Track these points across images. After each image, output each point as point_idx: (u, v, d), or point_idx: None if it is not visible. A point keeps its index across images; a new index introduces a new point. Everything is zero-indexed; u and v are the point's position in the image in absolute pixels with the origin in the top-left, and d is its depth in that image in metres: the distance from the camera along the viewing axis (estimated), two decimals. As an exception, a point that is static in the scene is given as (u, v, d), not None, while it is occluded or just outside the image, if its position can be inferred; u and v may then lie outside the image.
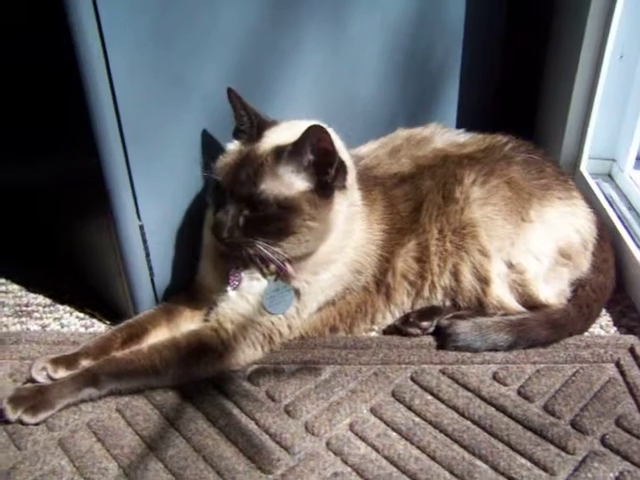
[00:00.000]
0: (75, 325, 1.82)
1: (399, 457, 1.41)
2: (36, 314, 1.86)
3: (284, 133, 1.54)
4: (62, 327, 1.81)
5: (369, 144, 1.89)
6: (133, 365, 1.53)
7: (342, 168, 1.54)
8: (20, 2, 1.50)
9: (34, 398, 1.47)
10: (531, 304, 1.73)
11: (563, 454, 1.41)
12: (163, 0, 1.44)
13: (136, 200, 1.58)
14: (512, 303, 1.72)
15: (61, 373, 1.52)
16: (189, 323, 1.69)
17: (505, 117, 2.19)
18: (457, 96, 2.30)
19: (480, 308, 1.72)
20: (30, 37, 1.52)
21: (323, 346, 1.70)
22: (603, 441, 1.43)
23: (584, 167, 2.26)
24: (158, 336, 1.65)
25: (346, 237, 1.63)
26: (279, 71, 1.75)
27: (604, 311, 1.83)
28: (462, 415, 1.51)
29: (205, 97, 1.61)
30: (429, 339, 1.72)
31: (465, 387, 1.58)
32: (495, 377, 1.61)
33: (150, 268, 1.69)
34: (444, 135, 1.88)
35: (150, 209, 1.62)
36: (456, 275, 1.72)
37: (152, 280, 1.71)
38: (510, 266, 1.71)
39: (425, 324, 1.72)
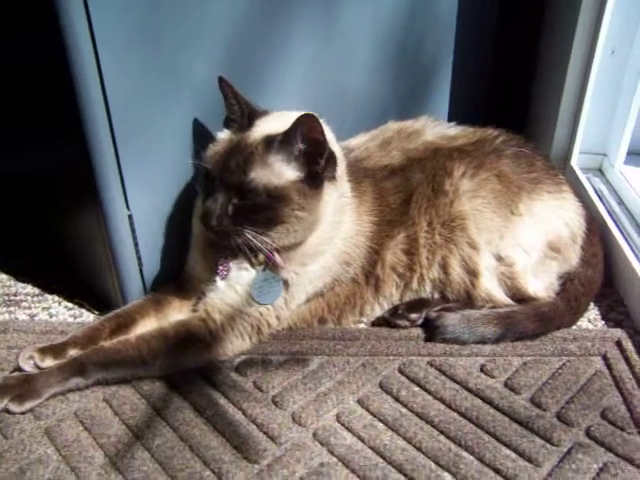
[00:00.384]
0: (64, 315, 1.82)
1: (385, 448, 1.41)
2: (24, 303, 1.85)
3: (275, 123, 1.53)
4: (50, 317, 1.81)
5: (360, 136, 1.89)
6: (121, 355, 1.53)
7: (332, 159, 1.54)
8: (13, 3, 1.49)
9: (21, 387, 1.47)
10: (519, 297, 1.74)
11: (548, 446, 1.41)
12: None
13: (125, 190, 1.58)
14: (500, 296, 1.73)
15: (48, 362, 1.52)
16: (177, 313, 1.69)
17: (497, 110, 2.19)
18: (449, 89, 2.30)
19: (469, 301, 1.73)
20: (22, 35, 1.51)
21: (311, 337, 1.70)
22: (588, 433, 1.44)
23: (575, 162, 2.27)
24: (146, 326, 1.64)
25: (335, 228, 1.63)
26: (270, 63, 1.74)
27: (592, 305, 1.84)
28: (449, 407, 1.51)
29: (195, 89, 1.61)
30: (417, 331, 1.72)
31: (452, 379, 1.58)
32: (482, 369, 1.61)
33: (139, 258, 1.69)
34: (435, 128, 1.88)
35: (139, 199, 1.61)
36: (445, 268, 1.72)
37: (141, 270, 1.71)
38: (499, 259, 1.71)
39: (414, 316, 1.72)
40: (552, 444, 1.42)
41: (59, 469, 1.35)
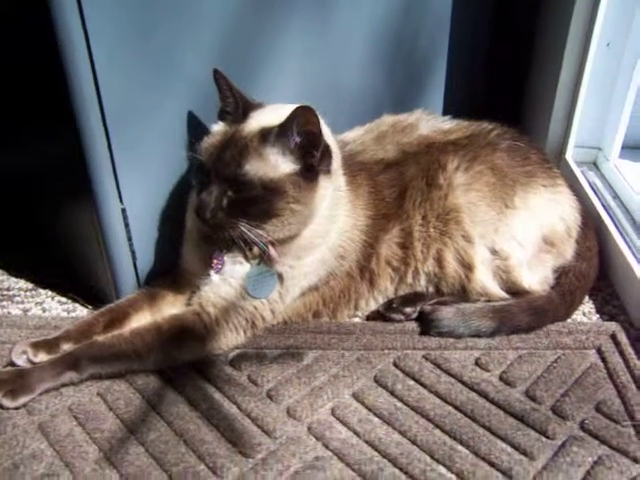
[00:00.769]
0: (57, 310, 1.81)
1: (380, 442, 1.41)
2: (17, 298, 1.84)
3: (270, 115, 1.52)
4: (44, 311, 1.80)
5: (355, 130, 1.88)
6: (115, 349, 1.52)
7: (328, 152, 1.53)
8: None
9: (14, 382, 1.46)
10: (514, 290, 1.74)
11: (543, 439, 1.42)
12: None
13: (118, 184, 1.57)
14: (495, 289, 1.73)
15: (41, 357, 1.51)
16: (171, 307, 1.68)
17: (491, 104, 2.18)
18: (444, 83, 2.29)
19: (463, 294, 1.73)
20: (14, 28, 1.50)
21: (306, 331, 1.69)
22: (582, 426, 1.44)
23: (569, 155, 2.26)
24: (140, 320, 1.64)
25: (330, 222, 1.62)
26: (264, 56, 1.73)
27: (587, 298, 1.84)
28: (444, 400, 1.51)
29: (189, 82, 1.60)
30: (412, 325, 1.72)
31: (447, 373, 1.58)
32: (477, 363, 1.61)
33: (132, 252, 1.68)
34: (429, 122, 1.87)
35: (133, 192, 1.60)
36: (439, 261, 1.72)
37: (134, 264, 1.70)
38: (494, 252, 1.71)
39: (408, 310, 1.72)
40: (547, 437, 1.42)
41: (53, 464, 1.34)
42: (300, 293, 1.67)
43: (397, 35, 2.05)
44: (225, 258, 1.60)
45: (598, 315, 1.79)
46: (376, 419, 1.47)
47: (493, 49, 2.35)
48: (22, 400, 1.45)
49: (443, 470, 1.35)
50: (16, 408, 1.45)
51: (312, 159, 1.49)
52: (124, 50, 1.45)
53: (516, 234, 1.71)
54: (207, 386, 1.54)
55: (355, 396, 1.52)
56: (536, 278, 1.76)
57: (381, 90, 2.09)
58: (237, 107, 1.54)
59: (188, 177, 1.65)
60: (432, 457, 1.38)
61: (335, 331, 1.69)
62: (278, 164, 1.48)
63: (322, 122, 1.51)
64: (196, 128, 1.63)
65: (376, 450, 1.39)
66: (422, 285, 1.76)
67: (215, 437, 1.41)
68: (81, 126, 1.46)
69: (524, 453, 1.38)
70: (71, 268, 1.89)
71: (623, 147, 2.24)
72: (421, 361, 1.62)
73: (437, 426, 1.45)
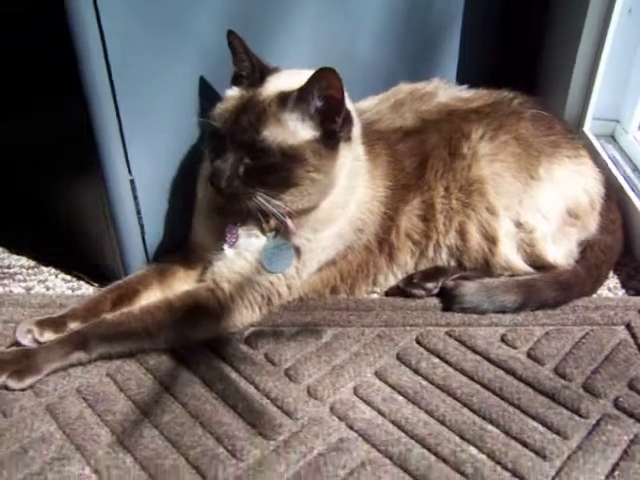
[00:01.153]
0: (61, 287, 1.73)
1: (407, 421, 1.34)
2: (19, 276, 1.76)
3: (288, 79, 1.44)
4: (47, 289, 1.72)
5: (369, 99, 1.80)
6: (124, 327, 1.45)
7: (348, 118, 1.45)
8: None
9: (19, 362, 1.39)
10: (539, 265, 1.67)
11: (576, 417, 1.36)
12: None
13: (127, 153, 1.48)
14: (519, 263, 1.66)
15: (48, 336, 1.44)
16: (183, 283, 1.61)
17: (506, 73, 2.10)
18: (457, 51, 2.21)
19: (487, 268, 1.66)
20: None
21: (323, 308, 1.62)
22: (616, 404, 1.38)
23: (587, 128, 2.19)
24: (150, 297, 1.56)
25: (349, 193, 1.55)
26: (278, 19, 1.65)
27: (611, 273, 1.78)
28: (471, 378, 1.45)
29: (201, 45, 1.52)
30: (434, 301, 1.65)
31: (473, 350, 1.52)
32: (503, 339, 1.55)
33: (141, 226, 1.59)
34: (448, 90, 1.80)
35: (142, 163, 1.52)
36: (462, 234, 1.65)
37: (143, 238, 1.62)
38: (518, 225, 1.64)
39: (430, 285, 1.65)
40: (580, 416, 1.36)
41: (63, 447, 1.27)
42: (317, 268, 1.60)
43: (410, 4, 1.97)
44: (239, 231, 1.53)
45: (624, 290, 1.73)
46: (401, 398, 1.40)
47: (508, 15, 2.26)
48: (29, 381, 1.38)
49: (474, 451, 1.29)
50: (22, 390, 1.37)
51: (333, 125, 1.41)
52: (132, 10, 1.37)
53: (541, 206, 1.65)
54: (222, 365, 1.47)
55: (378, 374, 1.46)
56: (561, 252, 1.69)
57: (395, 58, 2.02)
58: (253, 70, 1.45)
59: (199, 145, 1.57)
60: (462, 437, 1.31)
61: (354, 307, 1.63)
62: (297, 130, 1.40)
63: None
64: (208, 93, 1.55)
65: (403, 430, 1.33)
66: (444, 259, 1.69)
67: (233, 418, 1.34)
68: (88, 92, 1.38)
69: (557, 432, 1.32)
70: (75, 245, 1.80)
71: (643, 119, 2.17)
72: (445, 338, 1.55)
73: (465, 405, 1.39)
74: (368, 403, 1.39)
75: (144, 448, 1.28)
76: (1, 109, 1.67)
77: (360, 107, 1.74)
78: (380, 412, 1.37)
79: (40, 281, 1.75)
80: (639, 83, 2.10)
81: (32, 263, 1.81)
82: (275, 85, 1.43)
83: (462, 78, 2.19)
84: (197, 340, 1.50)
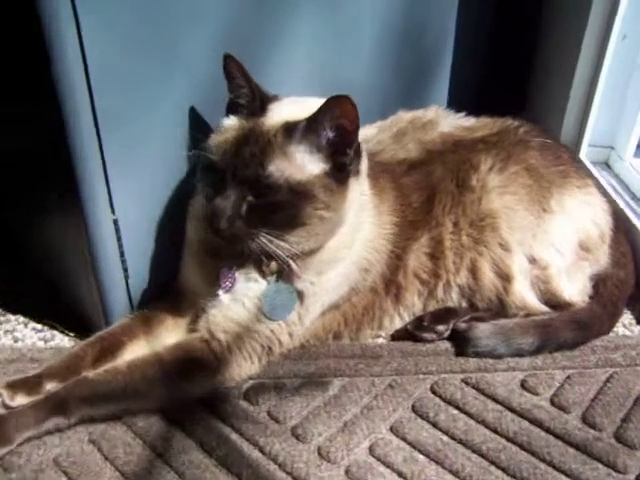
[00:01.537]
0: (31, 338, 1.55)
1: (431, 484, 1.21)
2: (-18, 327, 1.58)
3: (292, 108, 1.32)
4: (15, 341, 1.54)
5: (367, 127, 1.68)
6: (109, 386, 1.30)
7: (358, 149, 1.33)
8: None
9: (-15, 432, 1.21)
10: (554, 303, 1.57)
11: (614, 473, 1.25)
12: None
13: (110, 190, 1.34)
14: (535, 302, 1.56)
15: (20, 400, 1.28)
16: (172, 333, 1.46)
17: (498, 97, 2.03)
18: (448, 79, 2.13)
19: (500, 308, 1.55)
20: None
21: (327, 356, 1.49)
22: (654, 456, 1.28)
23: (584, 155, 2.12)
24: (135, 350, 1.41)
25: (356, 230, 1.42)
26: (272, 42, 1.54)
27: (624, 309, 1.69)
28: (494, 431, 1.33)
29: (190, 71, 1.39)
30: (446, 345, 1.53)
31: (493, 399, 1.40)
32: (524, 386, 1.44)
33: (125, 269, 1.44)
34: (448, 119, 1.71)
35: (126, 200, 1.37)
36: (474, 272, 1.54)
37: (127, 283, 1.46)
38: (532, 261, 1.54)
39: (441, 328, 1.53)
40: (618, 471, 1.26)
41: (42, 535, 1.10)
42: (321, 312, 1.47)
43: (404, 26, 1.89)
44: (236, 274, 1.38)
45: (639, 327, 1.65)
46: (422, 457, 1.28)
47: (501, 41, 2.20)
48: (-2, 453, 1.20)
49: (509, 516, 1.17)
50: (-10, 464, 1.20)
51: (344, 158, 1.29)
52: (118, 37, 1.24)
53: (555, 241, 1.56)
54: (221, 426, 1.32)
55: (394, 430, 1.33)
56: (576, 288, 1.60)
57: (390, 78, 1.92)
58: (253, 98, 1.32)
59: (189, 180, 1.43)
60: (494, 500, 1.19)
61: (360, 355, 1.49)
62: (305, 164, 1.27)
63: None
64: (198, 124, 1.41)
65: (428, 495, 1.20)
66: (454, 299, 1.57)
67: (238, 489, 1.19)
68: (67, 122, 1.23)
69: (596, 491, 1.21)
70: (51, 288, 1.61)
71: (638, 146, 2.12)
72: (461, 386, 1.43)
73: (493, 463, 1.27)
74: (387, 464, 1.26)
75: (138, 529, 1.12)
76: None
77: (360, 136, 1.63)
78: (402, 475, 1.24)
79: (7, 331, 1.57)
80: (634, 109, 2.04)
81: (-2, 311, 1.63)
82: (279, 114, 1.30)
83: (455, 100, 2.11)
84: (191, 397, 1.35)
